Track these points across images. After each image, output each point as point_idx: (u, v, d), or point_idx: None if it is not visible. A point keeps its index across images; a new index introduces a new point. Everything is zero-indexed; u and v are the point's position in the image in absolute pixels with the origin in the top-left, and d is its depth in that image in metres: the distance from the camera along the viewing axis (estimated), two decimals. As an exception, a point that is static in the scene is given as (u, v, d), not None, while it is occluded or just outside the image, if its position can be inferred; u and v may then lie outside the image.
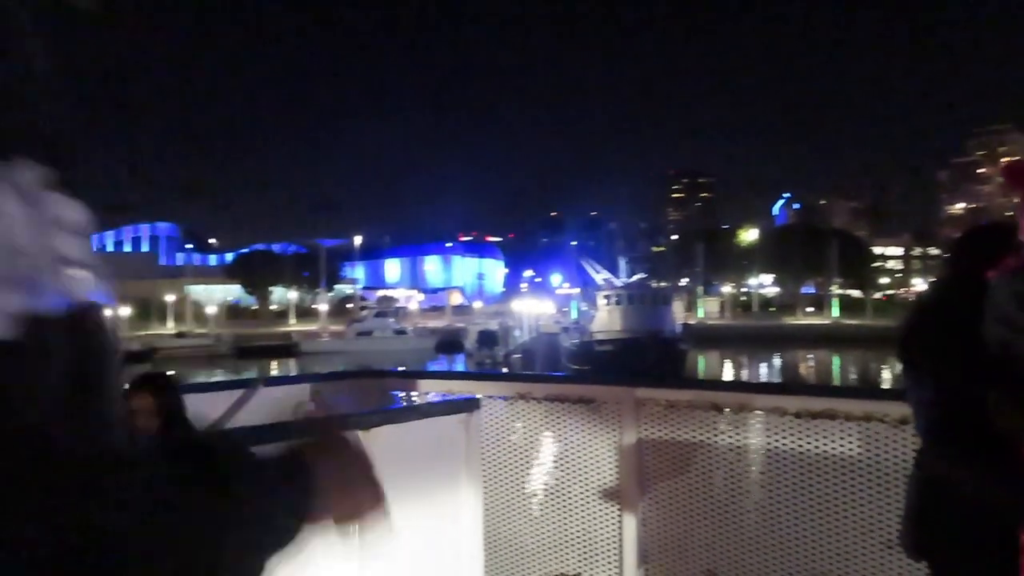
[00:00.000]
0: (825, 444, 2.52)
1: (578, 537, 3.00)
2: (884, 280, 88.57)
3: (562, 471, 3.04)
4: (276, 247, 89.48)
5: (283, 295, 79.73)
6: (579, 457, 2.99)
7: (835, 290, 75.72)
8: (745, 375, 43.58)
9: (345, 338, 55.30)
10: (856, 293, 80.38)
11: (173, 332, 61.20)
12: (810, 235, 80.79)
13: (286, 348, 53.79)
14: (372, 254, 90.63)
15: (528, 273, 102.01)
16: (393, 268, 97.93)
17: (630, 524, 2.84)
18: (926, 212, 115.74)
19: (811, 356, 52.35)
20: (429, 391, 3.17)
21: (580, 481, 2.99)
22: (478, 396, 2.81)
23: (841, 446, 2.50)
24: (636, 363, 32.85)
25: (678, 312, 63.50)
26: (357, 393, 3.29)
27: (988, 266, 1.70)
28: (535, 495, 3.12)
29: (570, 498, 3.01)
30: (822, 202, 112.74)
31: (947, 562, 1.79)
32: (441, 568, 2.25)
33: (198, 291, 77.65)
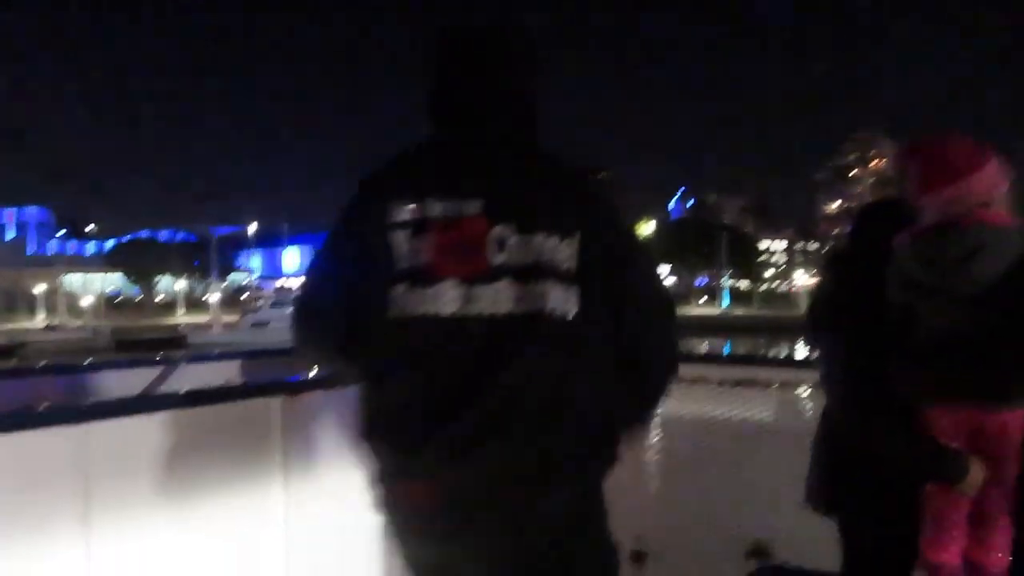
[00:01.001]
0: (746, 411, 2.60)
1: None
2: (769, 272, 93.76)
3: None
4: (162, 234, 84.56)
5: (170, 285, 75.45)
6: None
7: (725, 282, 79.49)
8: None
9: (239, 329, 52.90)
10: (744, 284, 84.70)
11: (42, 325, 56.58)
12: (702, 229, 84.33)
13: (172, 341, 50.78)
14: (269, 242, 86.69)
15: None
16: (292, 257, 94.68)
17: None
18: (806, 210, 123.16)
19: (705, 343, 54.66)
20: None
21: None
22: None
23: (761, 413, 2.58)
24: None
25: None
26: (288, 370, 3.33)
27: (889, 236, 1.76)
28: None
29: None
30: (714, 198, 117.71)
31: (854, 515, 1.86)
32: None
33: (74, 281, 72.28)
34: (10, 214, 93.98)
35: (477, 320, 1.25)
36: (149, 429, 1.59)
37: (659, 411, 2.74)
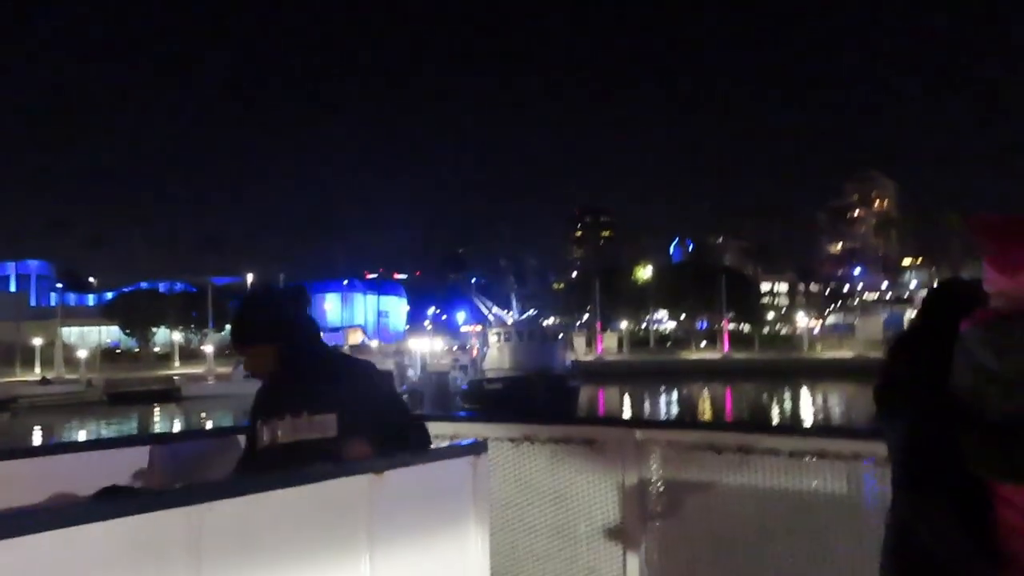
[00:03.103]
0: (816, 483, 2.61)
1: None
2: (771, 315, 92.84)
3: (567, 512, 3.15)
4: (162, 286, 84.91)
5: (167, 337, 75.40)
6: (583, 498, 3.10)
7: (726, 325, 78.74)
8: (646, 409, 44.05)
9: (231, 381, 52.59)
10: (746, 328, 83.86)
11: (37, 379, 56.38)
12: (702, 272, 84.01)
13: (165, 393, 50.58)
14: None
15: (433, 311, 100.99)
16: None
17: (633, 563, 2.92)
18: (808, 251, 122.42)
19: (705, 389, 53.73)
20: (435, 435, 3.21)
21: (585, 521, 3.10)
22: (486, 438, 2.87)
23: (832, 485, 2.58)
24: (525, 401, 32.66)
25: (579, 348, 64.54)
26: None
27: (959, 318, 1.75)
28: (540, 536, 3.22)
29: (575, 539, 3.12)
30: (719, 240, 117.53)
31: None
32: None
33: (72, 333, 72.41)
34: (11, 267, 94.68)
35: None
36: (252, 509, 1.75)
37: (731, 481, 2.79)
